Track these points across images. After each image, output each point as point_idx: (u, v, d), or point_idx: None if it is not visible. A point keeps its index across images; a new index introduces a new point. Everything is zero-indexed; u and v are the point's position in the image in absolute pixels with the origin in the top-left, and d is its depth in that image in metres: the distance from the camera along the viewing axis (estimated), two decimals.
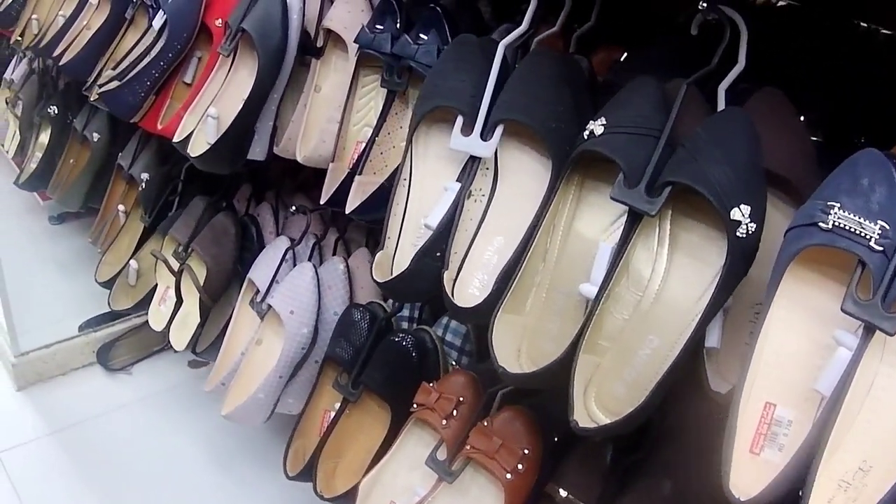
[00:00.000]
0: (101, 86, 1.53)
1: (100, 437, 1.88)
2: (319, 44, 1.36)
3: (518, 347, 0.97)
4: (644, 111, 0.90)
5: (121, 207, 1.96)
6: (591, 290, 0.88)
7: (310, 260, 1.49)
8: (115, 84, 1.50)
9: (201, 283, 1.55)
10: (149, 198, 1.83)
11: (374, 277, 1.03)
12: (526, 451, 1.10)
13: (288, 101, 1.40)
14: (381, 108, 1.27)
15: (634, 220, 0.88)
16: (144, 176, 1.84)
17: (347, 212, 1.24)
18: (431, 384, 1.21)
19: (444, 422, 1.16)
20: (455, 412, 1.17)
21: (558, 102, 0.99)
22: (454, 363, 1.34)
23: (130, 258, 1.85)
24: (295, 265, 1.48)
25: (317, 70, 1.37)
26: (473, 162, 1.03)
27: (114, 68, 1.54)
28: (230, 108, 1.35)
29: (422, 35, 1.20)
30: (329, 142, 1.33)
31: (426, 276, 1.01)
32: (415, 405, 1.21)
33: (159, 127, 1.50)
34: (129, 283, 1.86)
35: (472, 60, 1.06)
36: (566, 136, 0.97)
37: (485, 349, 1.35)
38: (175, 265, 1.60)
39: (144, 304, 1.81)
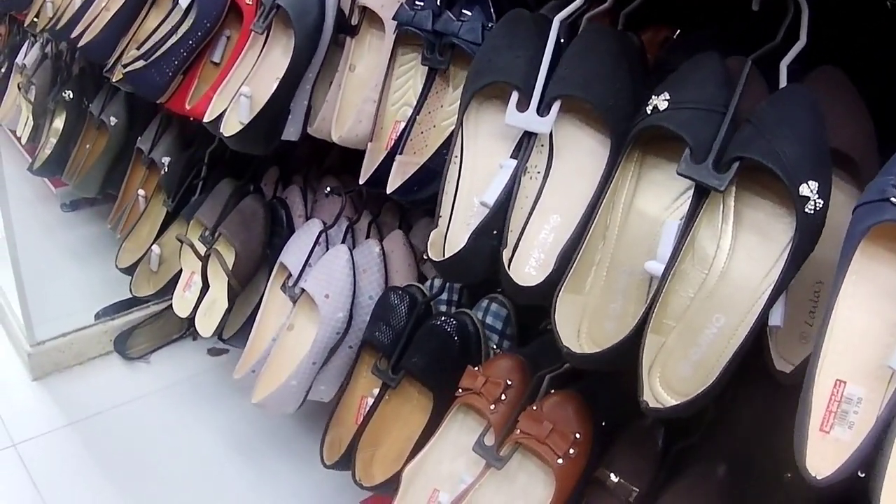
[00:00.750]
0: (125, 66, 1.49)
1: (118, 428, 1.84)
2: (354, 22, 1.33)
3: (578, 327, 0.95)
4: (709, 87, 0.88)
5: (141, 192, 1.92)
6: (657, 267, 0.86)
7: (343, 243, 1.46)
8: (140, 64, 1.46)
9: (230, 268, 1.51)
10: (172, 182, 1.79)
11: (430, 256, 1.01)
12: (577, 436, 1.07)
13: (322, 81, 1.37)
14: (420, 87, 1.24)
15: (701, 196, 0.86)
16: (166, 160, 1.81)
17: (388, 192, 1.21)
18: (477, 368, 1.18)
19: (492, 406, 1.14)
20: (503, 396, 1.14)
21: (616, 79, 0.97)
22: (495, 347, 1.31)
23: (153, 243, 1.81)
24: (328, 249, 1.45)
25: (351, 49, 1.34)
26: (529, 139, 1.00)
27: (138, 48, 1.50)
28: (264, 88, 1.32)
29: (465, 11, 1.17)
30: (365, 122, 1.30)
31: (482, 255, 0.99)
32: (460, 390, 1.18)
33: (188, 107, 1.47)
34: (151, 270, 1.82)
35: (525, 36, 1.03)
36: (625, 113, 0.96)
37: (526, 333, 1.34)
38: (202, 249, 1.57)
39: (168, 290, 1.78)
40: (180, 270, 1.69)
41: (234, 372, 1.49)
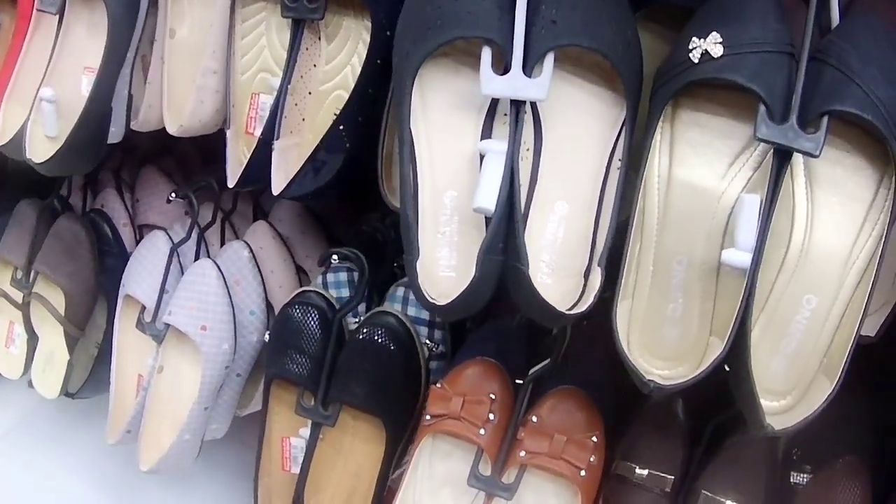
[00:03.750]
0: None
1: None
2: None
3: (627, 340, 0.75)
4: (769, 22, 0.70)
5: None
6: (740, 257, 0.67)
7: (198, 253, 1.16)
8: None
9: (62, 313, 1.19)
10: None
11: (431, 299, 0.74)
12: (595, 440, 0.91)
13: (138, 60, 1.05)
14: (287, 46, 0.96)
15: (782, 161, 0.68)
16: None
17: (277, 193, 0.95)
18: (440, 385, 0.97)
19: (482, 430, 0.92)
20: (491, 416, 0.94)
21: (621, 15, 0.75)
22: (428, 342, 1.08)
23: None
24: (182, 267, 1.16)
25: (168, 8, 1.03)
26: (516, 108, 0.74)
27: None
28: (72, 85, 1.03)
29: None
30: (210, 101, 1.02)
31: (491, 279, 0.74)
32: (428, 417, 0.96)
33: None
34: None
35: None
36: (638, 59, 0.77)
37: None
38: (18, 297, 1.23)
39: None
40: None
41: (107, 437, 1.20)
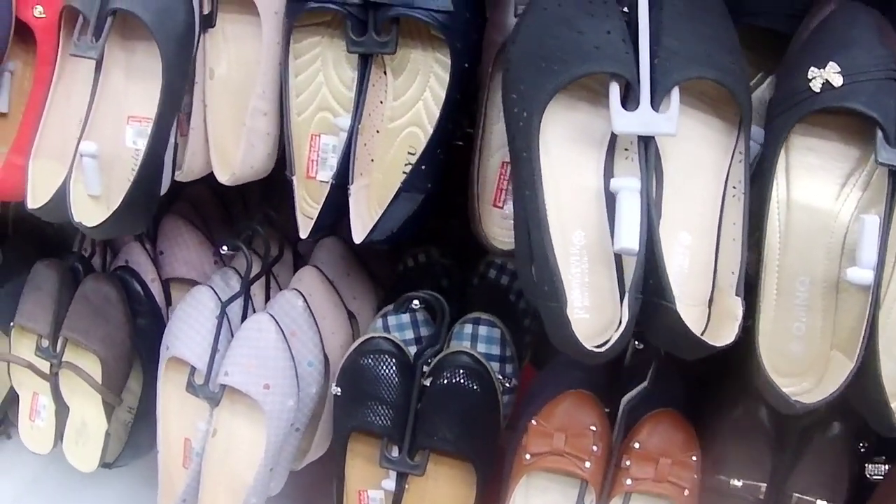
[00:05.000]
0: None
1: None
2: (205, 8, 0.97)
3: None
4: (875, 48, 0.72)
5: None
6: (863, 275, 0.70)
7: (246, 306, 1.10)
8: None
9: (98, 381, 1.11)
10: None
11: (587, 349, 0.70)
12: (695, 458, 0.91)
13: None
14: (348, 82, 0.92)
15: None
16: None
17: (359, 241, 0.89)
18: (535, 421, 0.94)
19: (587, 463, 0.90)
20: (595, 448, 0.91)
21: (733, 44, 0.76)
22: (501, 377, 1.04)
23: None
24: (229, 321, 1.09)
25: (205, 46, 0.98)
26: (645, 144, 0.72)
27: None
28: (114, 136, 0.95)
29: None
30: (261, 145, 0.96)
31: (634, 317, 0.73)
32: (528, 455, 0.93)
33: None
34: None
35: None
36: (746, 81, 0.77)
37: (546, 349, 1.08)
38: (45, 366, 1.14)
39: None
40: (10, 389, 1.24)
41: None
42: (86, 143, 0.92)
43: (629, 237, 0.69)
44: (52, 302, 1.15)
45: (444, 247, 1.20)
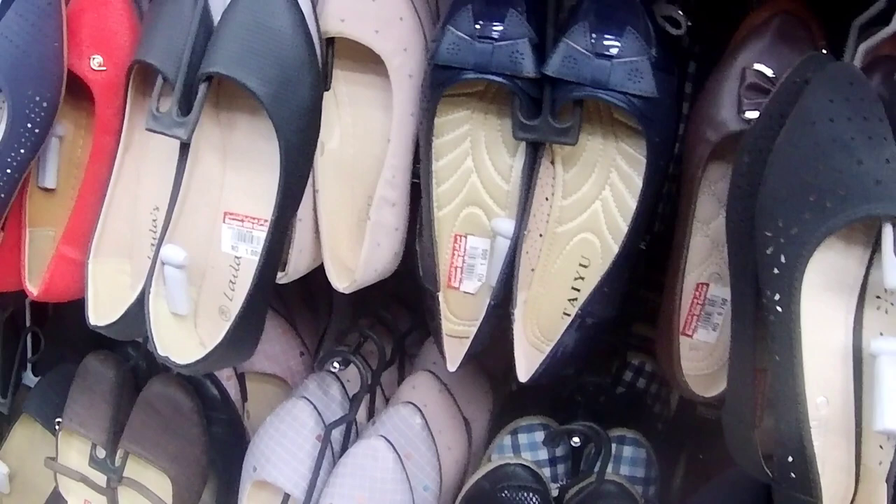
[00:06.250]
0: None
1: None
2: None
3: None
4: None
5: None
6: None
7: (348, 430, 0.90)
8: None
9: (168, 502, 0.91)
10: None
11: None
12: None
13: None
14: (503, 170, 0.73)
15: None
16: None
17: (525, 380, 0.69)
18: None
19: None
20: None
21: None
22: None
23: None
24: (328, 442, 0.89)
25: None
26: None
27: None
28: (205, 238, 0.75)
29: (606, 37, 0.64)
30: (387, 243, 0.76)
31: None
32: None
33: (31, 289, 0.82)
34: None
35: (868, 110, 0.55)
36: None
37: None
38: (100, 479, 0.95)
39: None
40: (54, 489, 1.04)
41: None
42: (169, 247, 0.71)
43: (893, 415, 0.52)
44: (108, 407, 0.95)
45: None
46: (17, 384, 1.09)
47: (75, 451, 0.99)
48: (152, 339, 0.71)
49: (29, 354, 1.10)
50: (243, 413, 1.01)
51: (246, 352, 0.74)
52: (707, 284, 0.75)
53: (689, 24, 0.71)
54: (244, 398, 1.01)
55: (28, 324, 1.08)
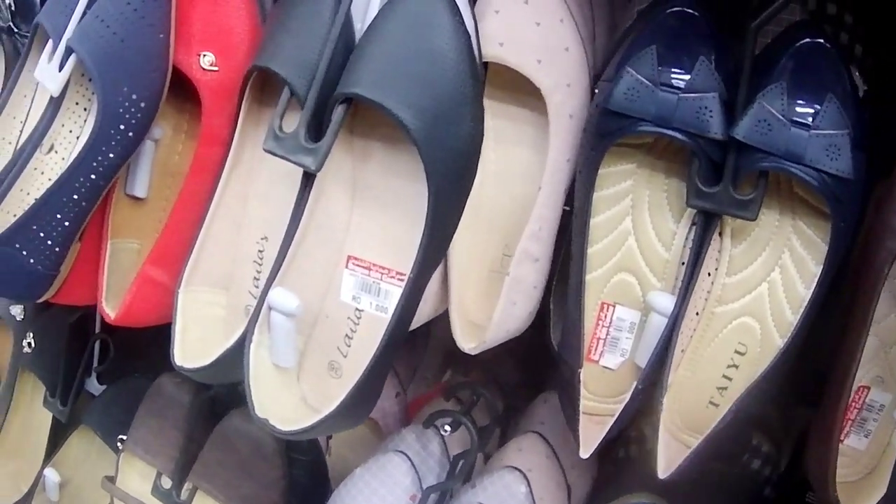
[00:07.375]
0: None
1: None
2: None
3: None
4: None
5: None
6: None
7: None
8: None
9: None
10: (49, 370, 1.00)
11: None
12: None
13: None
14: (667, 238, 0.64)
15: None
16: (29, 335, 1.01)
17: (666, 476, 0.61)
18: None
19: None
20: None
21: None
22: None
23: (43, 465, 1.04)
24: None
25: None
26: None
27: None
28: (322, 285, 0.66)
29: (808, 103, 0.54)
30: (524, 302, 0.67)
31: None
32: None
33: (109, 313, 0.73)
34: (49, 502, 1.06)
35: None
36: None
37: None
38: None
39: None
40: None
41: None
42: (279, 291, 0.62)
43: None
44: (179, 435, 0.86)
45: None
46: (78, 391, 1.00)
47: (137, 475, 0.91)
48: (250, 396, 0.62)
49: (95, 363, 1.01)
50: (326, 449, 0.93)
51: (361, 417, 0.65)
52: (868, 388, 0.66)
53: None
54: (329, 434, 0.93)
55: (98, 329, 1.00)
